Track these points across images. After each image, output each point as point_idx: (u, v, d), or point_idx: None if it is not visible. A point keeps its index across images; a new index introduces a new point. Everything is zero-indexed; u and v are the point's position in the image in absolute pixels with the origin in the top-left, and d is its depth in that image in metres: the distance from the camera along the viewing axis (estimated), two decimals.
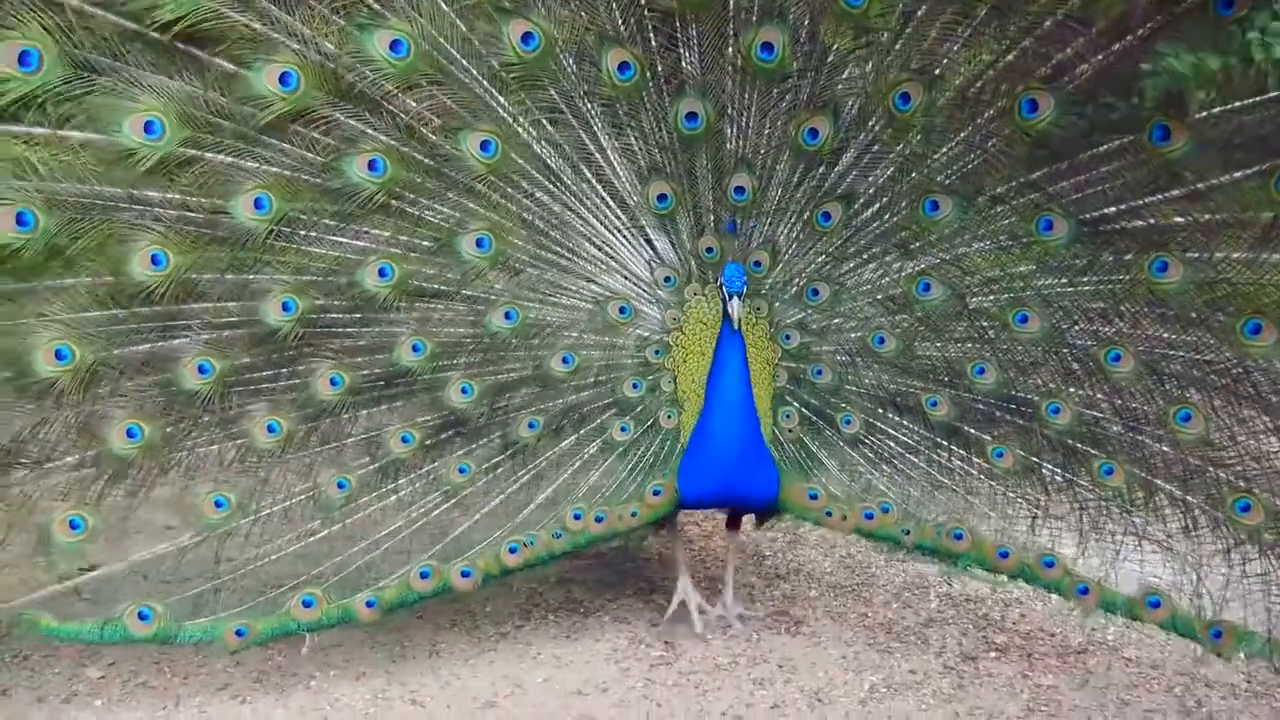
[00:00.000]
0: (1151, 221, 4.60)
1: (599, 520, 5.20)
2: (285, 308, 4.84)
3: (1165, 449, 4.81)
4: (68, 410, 4.72)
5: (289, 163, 4.75)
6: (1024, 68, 4.56)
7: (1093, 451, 4.94)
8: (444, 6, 4.77)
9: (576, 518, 5.18)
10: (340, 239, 4.89)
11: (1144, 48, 4.38)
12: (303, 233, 4.84)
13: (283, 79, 4.61)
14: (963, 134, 4.80)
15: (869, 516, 5.22)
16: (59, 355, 4.59)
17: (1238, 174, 4.37)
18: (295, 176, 4.77)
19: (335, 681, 4.98)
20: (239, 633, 4.82)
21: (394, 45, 4.70)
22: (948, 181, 4.89)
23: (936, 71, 4.74)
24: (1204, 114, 4.37)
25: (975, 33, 4.64)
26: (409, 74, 4.76)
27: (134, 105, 4.48)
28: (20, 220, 4.40)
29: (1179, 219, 4.55)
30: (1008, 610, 5.50)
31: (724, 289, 4.94)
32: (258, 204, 4.69)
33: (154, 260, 4.62)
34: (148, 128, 4.50)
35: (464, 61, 4.84)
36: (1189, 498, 4.76)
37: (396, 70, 4.72)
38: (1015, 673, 4.91)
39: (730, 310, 4.93)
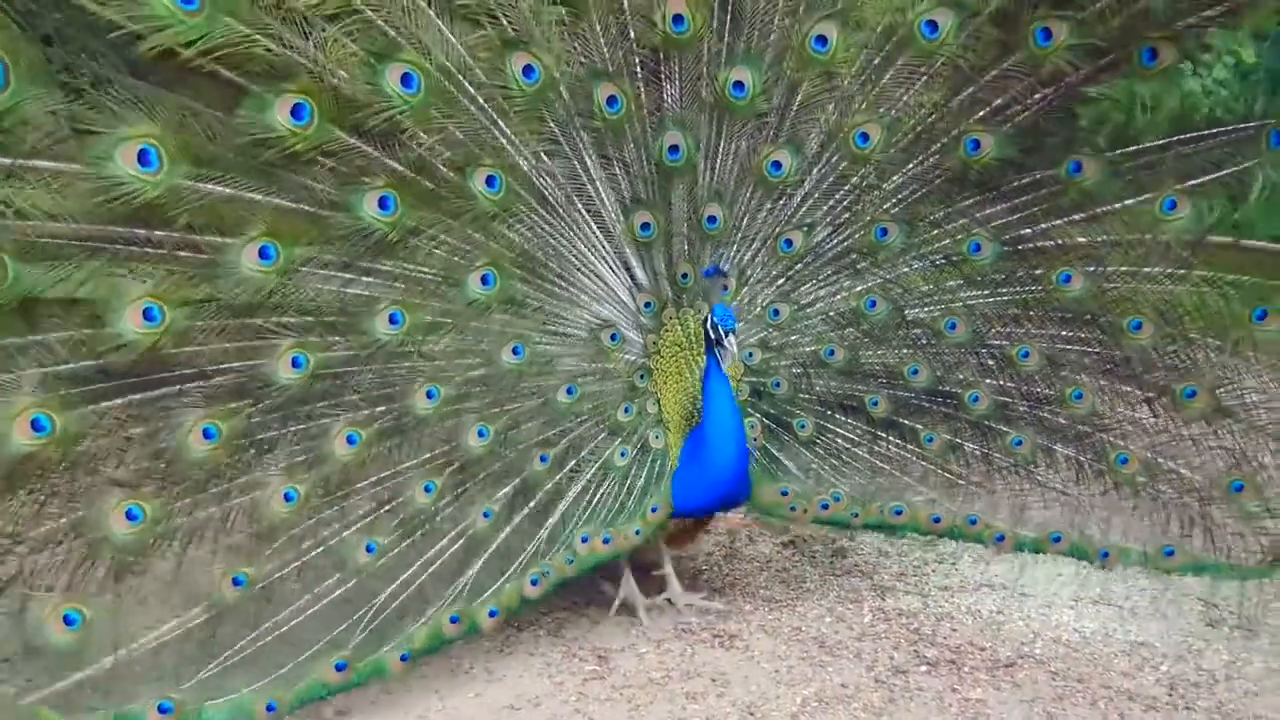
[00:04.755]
0: (1060, 241, 5.11)
1: (606, 542, 5.06)
2: (295, 364, 4.36)
3: (1062, 421, 5.37)
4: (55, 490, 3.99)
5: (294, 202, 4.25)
6: (969, 110, 4.95)
7: (1005, 429, 5.44)
8: (453, 40, 4.46)
9: (584, 541, 5.01)
10: (349, 287, 4.47)
11: (1080, 89, 4.90)
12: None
13: (295, 112, 4.12)
14: (911, 168, 5.11)
15: (824, 506, 5.46)
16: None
17: (1130, 200, 5.00)
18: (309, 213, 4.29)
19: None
20: (270, 708, 4.25)
21: (405, 79, 4.33)
22: (895, 210, 5.18)
23: (894, 113, 5.00)
24: (1119, 150, 4.95)
25: (930, 79, 4.96)
26: (422, 109, 4.40)
27: (129, 132, 3.82)
28: None
29: (1081, 238, 5.11)
30: (939, 624, 5.34)
31: (720, 327, 4.89)
32: (263, 253, 4.20)
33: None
34: (142, 158, 3.87)
35: (473, 92, 4.54)
36: (1080, 457, 5.38)
37: (411, 106, 4.35)
38: (945, 686, 4.79)
39: (727, 346, 4.89)
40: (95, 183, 3.83)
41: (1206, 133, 4.86)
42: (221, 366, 4.27)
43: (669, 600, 5.52)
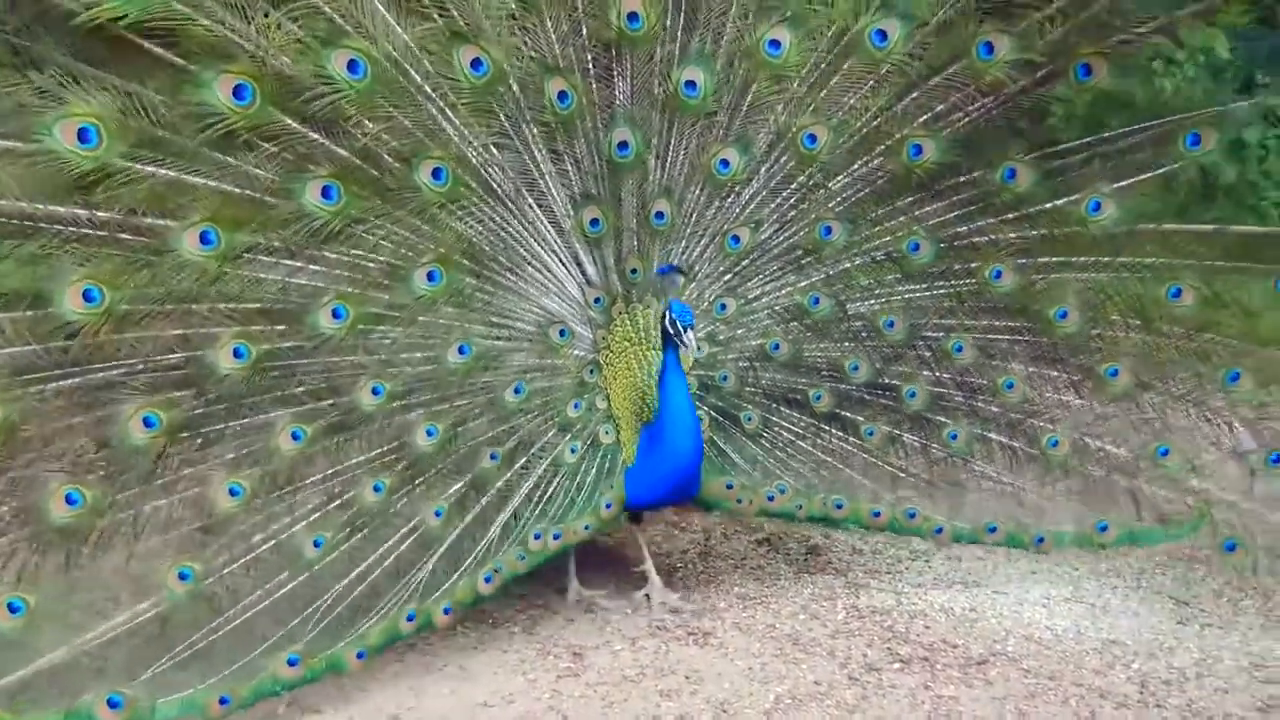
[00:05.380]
0: (993, 237, 5.28)
1: (557, 538, 5.02)
2: (237, 354, 4.27)
3: (995, 410, 5.52)
4: None
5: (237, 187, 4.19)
6: (913, 115, 5.09)
7: (942, 420, 5.54)
8: (400, 30, 4.40)
9: (537, 538, 4.97)
10: (294, 277, 4.42)
11: (1018, 98, 5.10)
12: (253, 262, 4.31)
13: (237, 92, 4.05)
14: (855, 169, 5.22)
15: (770, 498, 5.48)
16: None
17: (1059, 200, 5.21)
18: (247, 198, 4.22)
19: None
20: (223, 701, 4.12)
21: (351, 65, 4.29)
22: (840, 209, 5.26)
23: (840, 116, 5.10)
24: (1069, 144, 5.17)
25: (877, 85, 5.07)
26: (368, 96, 4.37)
27: (68, 110, 3.74)
28: None
29: (1013, 234, 5.29)
30: (912, 622, 5.24)
31: (679, 322, 4.90)
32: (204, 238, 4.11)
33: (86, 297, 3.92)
34: (82, 135, 3.79)
35: (421, 83, 4.51)
36: (1014, 444, 5.53)
37: (356, 91, 4.31)
38: (918, 684, 4.71)
39: (688, 341, 4.90)
40: (34, 158, 3.79)
41: (1126, 130, 5.10)
42: (165, 357, 4.20)
43: (647, 596, 5.45)
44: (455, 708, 4.53)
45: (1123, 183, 5.13)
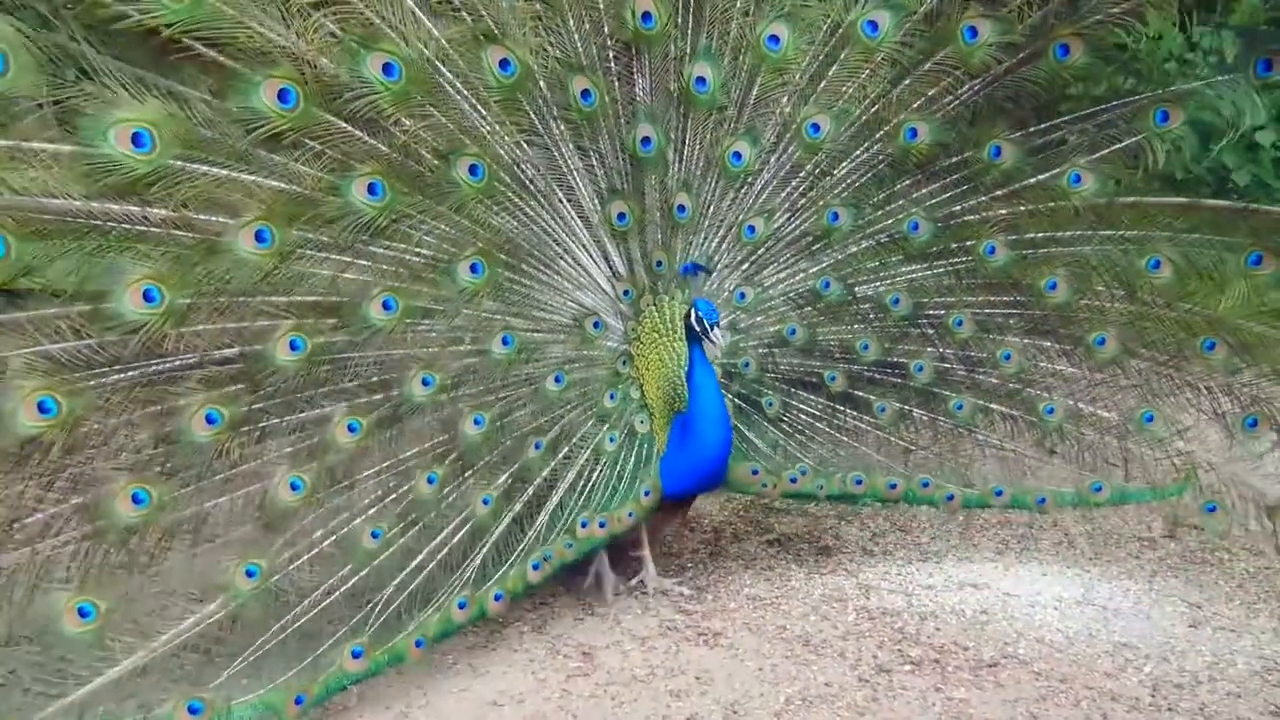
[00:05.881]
0: (984, 215, 5.51)
1: (602, 526, 5.07)
2: (293, 346, 4.28)
3: (995, 381, 5.73)
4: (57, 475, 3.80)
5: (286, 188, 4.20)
6: (906, 101, 5.32)
7: (947, 393, 5.75)
8: (435, 32, 4.50)
9: (584, 526, 5.01)
10: (345, 272, 4.44)
11: (1007, 79, 5.32)
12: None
13: (281, 96, 4.11)
14: (857, 154, 5.42)
15: (793, 480, 5.62)
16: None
17: (1043, 175, 5.45)
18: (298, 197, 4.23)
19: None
20: (298, 700, 4.09)
21: (386, 68, 4.37)
22: (845, 195, 5.47)
23: (840, 104, 5.32)
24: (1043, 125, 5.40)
25: (872, 72, 5.29)
26: (404, 96, 4.45)
27: (121, 114, 3.74)
28: None
29: (1003, 210, 5.51)
30: (923, 623, 5.20)
31: (705, 320, 5.02)
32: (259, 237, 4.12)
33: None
34: (136, 140, 3.79)
35: (454, 80, 4.60)
36: (1014, 413, 5.75)
37: (392, 93, 4.38)
38: (929, 685, 4.67)
39: (715, 339, 5.02)
40: (90, 163, 3.77)
41: (1104, 106, 5.34)
42: (220, 351, 4.20)
43: (642, 582, 5.54)
44: (465, 706, 4.49)
45: (1096, 155, 5.40)
